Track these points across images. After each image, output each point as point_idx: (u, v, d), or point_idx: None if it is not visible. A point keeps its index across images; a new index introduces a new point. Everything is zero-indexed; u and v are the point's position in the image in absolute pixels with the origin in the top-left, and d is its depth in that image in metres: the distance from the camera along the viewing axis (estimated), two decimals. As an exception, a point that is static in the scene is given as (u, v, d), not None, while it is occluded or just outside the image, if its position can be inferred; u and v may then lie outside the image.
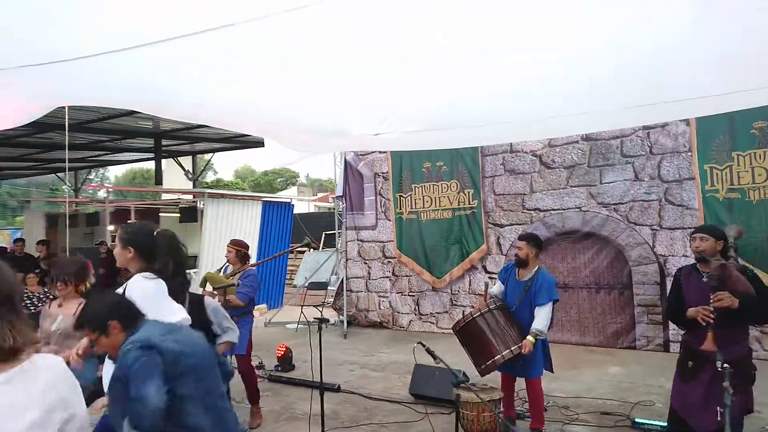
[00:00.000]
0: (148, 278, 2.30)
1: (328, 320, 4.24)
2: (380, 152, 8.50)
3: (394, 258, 8.46)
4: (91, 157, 13.35)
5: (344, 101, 2.84)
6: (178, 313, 2.36)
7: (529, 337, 3.77)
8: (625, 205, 6.71)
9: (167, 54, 2.58)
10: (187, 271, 6.44)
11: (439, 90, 2.64)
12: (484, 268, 7.82)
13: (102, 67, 2.82)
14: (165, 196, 12.73)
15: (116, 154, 12.88)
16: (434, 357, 3.11)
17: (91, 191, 17.59)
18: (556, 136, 6.65)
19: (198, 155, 13.30)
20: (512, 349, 3.76)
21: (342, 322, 8.42)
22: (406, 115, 3.04)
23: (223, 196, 9.90)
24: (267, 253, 10.66)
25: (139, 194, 15.28)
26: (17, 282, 1.31)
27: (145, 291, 2.23)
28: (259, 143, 9.70)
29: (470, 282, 7.90)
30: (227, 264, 4.92)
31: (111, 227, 11.01)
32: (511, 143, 7.51)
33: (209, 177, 44.78)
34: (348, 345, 7.45)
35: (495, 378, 4.22)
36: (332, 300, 9.33)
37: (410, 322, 8.32)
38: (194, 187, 13.33)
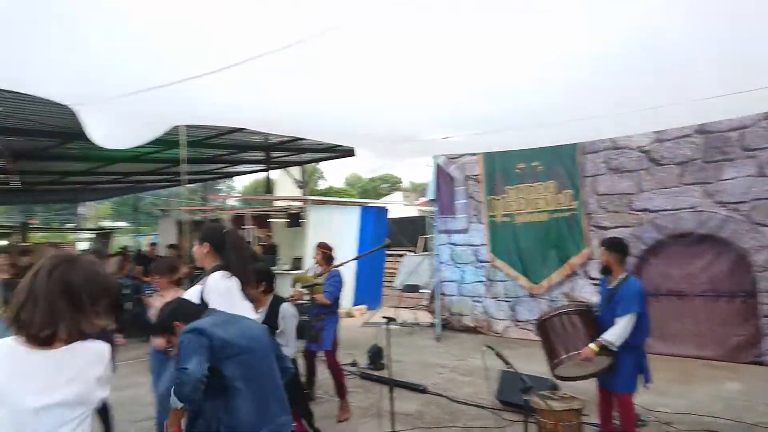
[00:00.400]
0: (225, 278, 2.57)
1: (394, 319, 4.36)
2: (471, 155, 8.44)
3: (488, 262, 8.32)
4: (216, 169, 14.83)
5: (407, 105, 2.92)
6: (249, 313, 2.62)
7: (591, 345, 3.56)
8: (748, 204, 5.98)
9: (251, 73, 2.85)
10: (298, 271, 6.91)
11: (499, 89, 2.62)
12: (586, 273, 7.41)
13: (206, 89, 3.19)
14: (277, 203, 13.72)
15: (236, 167, 14.15)
16: (505, 362, 3.07)
17: (218, 201, 19.67)
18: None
19: (308, 164, 14.17)
20: (570, 354, 3.62)
21: (434, 325, 8.47)
22: (469, 116, 3.04)
23: (325, 202, 10.45)
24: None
25: (262, 201, 16.45)
26: (78, 283, 1.54)
27: (221, 291, 2.49)
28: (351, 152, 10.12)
29: (572, 288, 7.51)
30: (316, 265, 5.23)
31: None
32: (614, 139, 7.05)
33: (322, 184, 46.97)
34: (440, 348, 7.48)
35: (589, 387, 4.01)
36: (428, 303, 9.40)
37: (506, 328, 8.12)
38: (303, 194, 14.23)
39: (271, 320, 3.49)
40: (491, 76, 2.59)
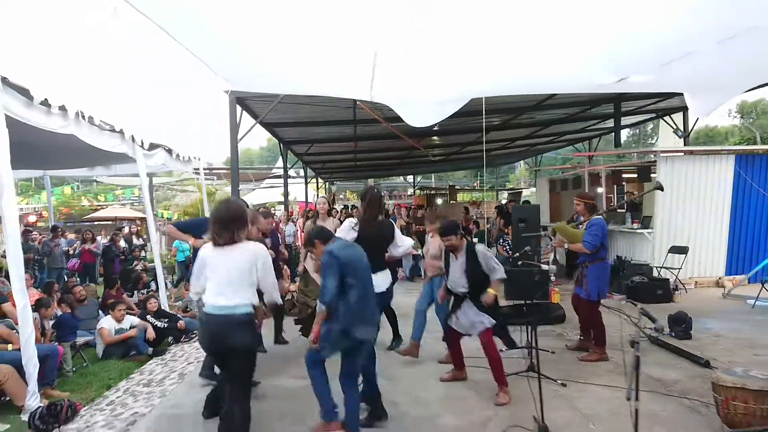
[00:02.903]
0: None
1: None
2: None
3: None
4: (590, 127, 14.79)
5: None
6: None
7: None
8: None
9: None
10: (645, 231, 7.21)
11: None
12: None
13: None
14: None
15: (604, 121, 13.74)
16: (652, 319, 2.71)
17: (577, 159, 19.73)
18: None
19: (688, 110, 12.22)
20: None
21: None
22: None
23: (691, 152, 9.12)
24: (744, 214, 8.98)
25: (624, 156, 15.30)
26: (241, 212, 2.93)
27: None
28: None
29: None
30: (578, 215, 5.18)
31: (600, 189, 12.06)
32: None
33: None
34: (802, 333, 5.72)
35: None
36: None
37: None
38: (685, 144, 12.40)
39: (471, 260, 4.08)
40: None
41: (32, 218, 16.04)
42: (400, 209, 17.36)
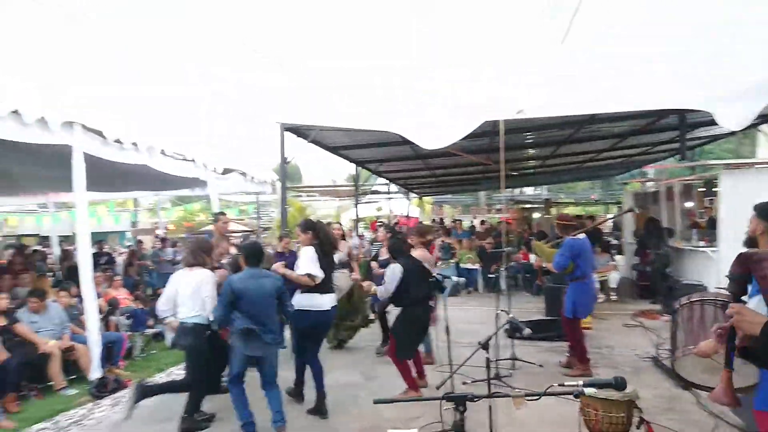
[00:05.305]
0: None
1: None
2: None
3: None
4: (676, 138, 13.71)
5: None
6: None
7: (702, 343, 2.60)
8: None
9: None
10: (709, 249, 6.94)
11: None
12: None
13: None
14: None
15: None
16: (521, 330, 2.98)
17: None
18: None
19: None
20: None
21: None
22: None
23: (742, 165, 8.33)
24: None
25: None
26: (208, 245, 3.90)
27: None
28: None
29: None
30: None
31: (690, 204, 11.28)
32: None
33: None
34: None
35: None
36: None
37: None
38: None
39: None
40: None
41: (160, 232, 18.95)
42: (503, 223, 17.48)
